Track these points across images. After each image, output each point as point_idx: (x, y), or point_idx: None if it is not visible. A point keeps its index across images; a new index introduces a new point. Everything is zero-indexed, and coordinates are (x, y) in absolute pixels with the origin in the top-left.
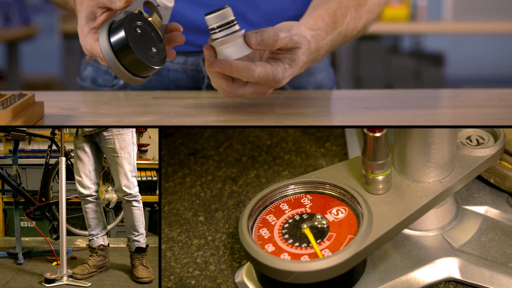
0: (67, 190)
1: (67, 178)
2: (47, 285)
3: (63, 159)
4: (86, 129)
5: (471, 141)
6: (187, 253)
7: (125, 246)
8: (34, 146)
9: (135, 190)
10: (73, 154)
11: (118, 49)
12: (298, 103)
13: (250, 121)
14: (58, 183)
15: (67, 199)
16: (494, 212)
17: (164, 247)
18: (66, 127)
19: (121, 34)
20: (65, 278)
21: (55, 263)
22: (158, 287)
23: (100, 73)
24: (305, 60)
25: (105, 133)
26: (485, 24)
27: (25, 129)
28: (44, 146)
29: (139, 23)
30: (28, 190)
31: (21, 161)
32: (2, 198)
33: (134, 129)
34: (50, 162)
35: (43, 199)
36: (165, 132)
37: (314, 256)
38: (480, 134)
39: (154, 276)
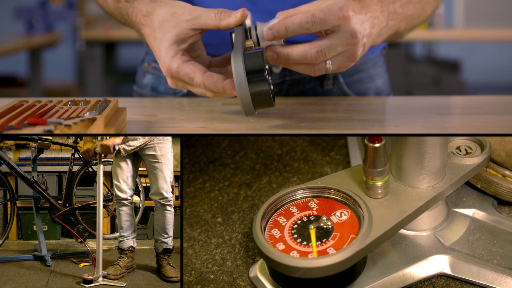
0: (86, 196)
1: (87, 184)
2: (86, 285)
3: (101, 166)
4: (128, 148)
5: (460, 150)
6: (206, 250)
7: (145, 248)
8: (43, 155)
9: (170, 195)
10: (95, 162)
11: (253, 79)
12: (374, 109)
13: (331, 128)
14: (80, 189)
15: (87, 204)
16: (481, 214)
17: (186, 245)
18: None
19: (260, 64)
20: (100, 278)
21: (82, 264)
22: (180, 281)
23: (161, 81)
24: None
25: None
26: (497, 31)
27: (50, 137)
28: (52, 154)
29: (264, 57)
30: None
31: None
32: (16, 204)
33: (171, 137)
34: (73, 170)
35: (67, 204)
36: (187, 143)
37: (319, 253)
38: (468, 144)
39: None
